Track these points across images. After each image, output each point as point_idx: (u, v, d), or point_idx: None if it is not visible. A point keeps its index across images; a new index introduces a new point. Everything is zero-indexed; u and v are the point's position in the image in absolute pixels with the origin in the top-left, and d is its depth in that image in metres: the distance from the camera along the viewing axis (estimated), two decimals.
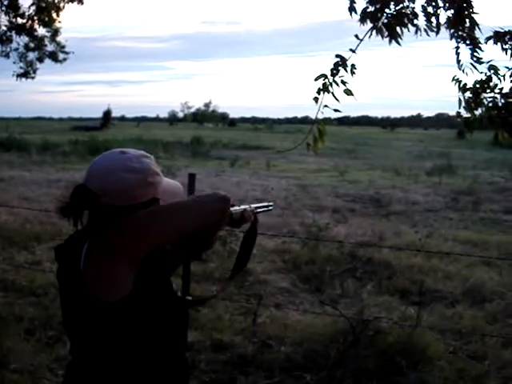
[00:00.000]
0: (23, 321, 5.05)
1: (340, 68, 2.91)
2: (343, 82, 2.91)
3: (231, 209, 1.99)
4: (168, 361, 1.72)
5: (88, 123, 72.09)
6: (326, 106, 2.85)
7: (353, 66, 2.92)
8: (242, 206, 2.04)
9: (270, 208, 2.28)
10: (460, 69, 3.11)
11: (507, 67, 3.13)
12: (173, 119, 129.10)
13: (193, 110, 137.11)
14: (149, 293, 1.65)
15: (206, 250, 1.85)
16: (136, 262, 1.58)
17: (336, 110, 2.85)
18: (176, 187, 1.84)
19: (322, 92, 2.87)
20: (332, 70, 2.90)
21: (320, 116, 2.91)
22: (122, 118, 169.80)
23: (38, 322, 5.01)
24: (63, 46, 11.99)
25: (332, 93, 2.88)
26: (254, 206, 2.13)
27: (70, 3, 10.67)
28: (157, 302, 1.68)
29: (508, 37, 3.08)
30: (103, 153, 1.73)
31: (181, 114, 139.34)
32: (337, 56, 2.94)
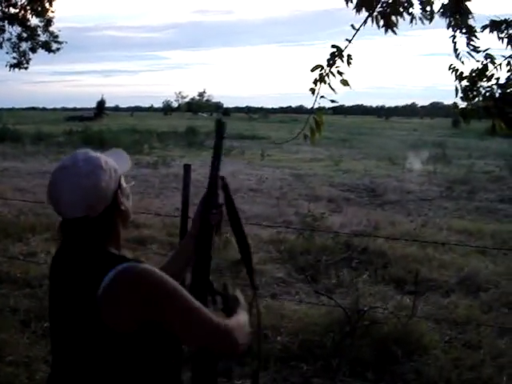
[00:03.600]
0: (18, 312, 5.04)
1: (336, 58, 2.88)
2: (340, 73, 2.89)
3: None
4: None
5: (82, 113, 71.69)
6: (322, 96, 2.83)
7: (349, 56, 2.90)
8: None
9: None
10: (457, 57, 3.10)
11: (504, 56, 3.12)
12: (167, 109, 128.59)
13: (187, 99, 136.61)
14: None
15: None
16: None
17: (333, 101, 2.83)
18: (119, 153, 1.80)
19: (318, 83, 2.85)
20: (328, 60, 2.88)
21: (316, 106, 2.89)
22: (116, 108, 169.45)
23: (33, 314, 4.98)
24: (56, 36, 11.88)
25: (329, 83, 2.86)
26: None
27: None
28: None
29: (504, 25, 3.07)
30: (50, 181, 1.60)
31: (175, 104, 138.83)
32: (333, 46, 2.91)
